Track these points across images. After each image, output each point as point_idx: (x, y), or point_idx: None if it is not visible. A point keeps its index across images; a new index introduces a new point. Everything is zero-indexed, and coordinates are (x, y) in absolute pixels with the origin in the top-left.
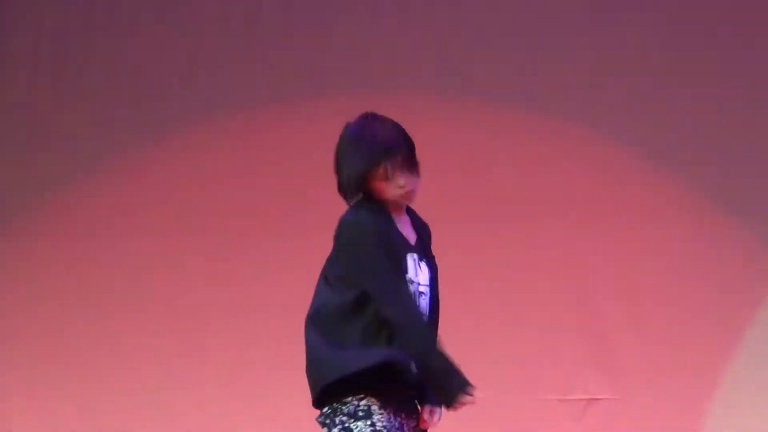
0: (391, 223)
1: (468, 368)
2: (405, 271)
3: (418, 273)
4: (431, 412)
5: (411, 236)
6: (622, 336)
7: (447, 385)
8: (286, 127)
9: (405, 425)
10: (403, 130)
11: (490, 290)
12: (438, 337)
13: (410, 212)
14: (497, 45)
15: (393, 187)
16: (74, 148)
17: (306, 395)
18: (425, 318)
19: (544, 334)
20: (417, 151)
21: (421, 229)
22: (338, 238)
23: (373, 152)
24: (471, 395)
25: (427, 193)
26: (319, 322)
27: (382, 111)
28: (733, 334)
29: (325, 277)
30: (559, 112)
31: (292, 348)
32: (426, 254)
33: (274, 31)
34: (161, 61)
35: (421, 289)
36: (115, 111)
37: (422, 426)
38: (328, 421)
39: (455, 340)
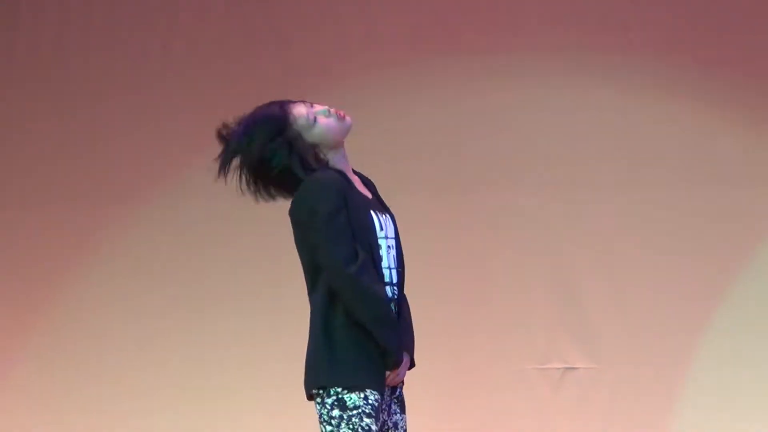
0: (349, 182)
1: (444, 339)
2: (371, 228)
3: (384, 227)
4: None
5: (367, 193)
6: (598, 305)
7: (386, 354)
8: None
9: (385, 394)
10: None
11: (465, 260)
12: (399, 297)
13: (357, 174)
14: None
15: (323, 121)
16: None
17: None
18: (381, 280)
19: (520, 303)
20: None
21: (370, 185)
22: (294, 214)
23: (275, 124)
24: (395, 375)
25: (397, 164)
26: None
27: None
28: (710, 303)
29: None
30: (532, 77)
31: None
32: (384, 208)
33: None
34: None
35: (389, 243)
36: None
37: (390, 384)
38: (321, 392)
39: (431, 312)
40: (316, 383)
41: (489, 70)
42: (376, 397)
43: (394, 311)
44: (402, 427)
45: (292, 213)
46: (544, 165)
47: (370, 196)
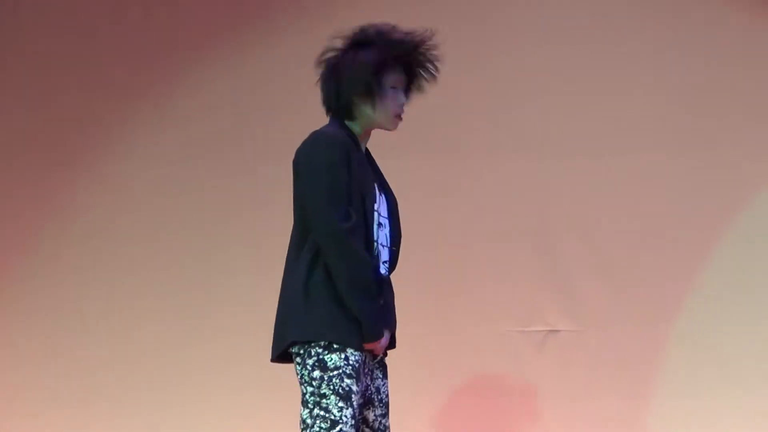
0: (358, 147)
1: (427, 303)
2: (370, 195)
3: (379, 203)
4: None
5: (370, 170)
6: (581, 268)
7: (362, 325)
8: None
9: (366, 358)
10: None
11: (448, 224)
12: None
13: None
14: None
15: (390, 104)
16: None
17: None
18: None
19: (503, 266)
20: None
21: (375, 166)
22: (296, 163)
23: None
24: (372, 346)
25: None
26: (286, 263)
27: None
28: (694, 264)
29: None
30: (512, 43)
31: None
32: (383, 186)
33: None
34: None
35: (381, 220)
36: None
37: (376, 352)
38: (302, 351)
39: (414, 276)
40: (297, 336)
41: (475, 38)
42: (357, 357)
43: (376, 285)
44: (384, 392)
45: (295, 162)
46: (525, 130)
47: (371, 170)
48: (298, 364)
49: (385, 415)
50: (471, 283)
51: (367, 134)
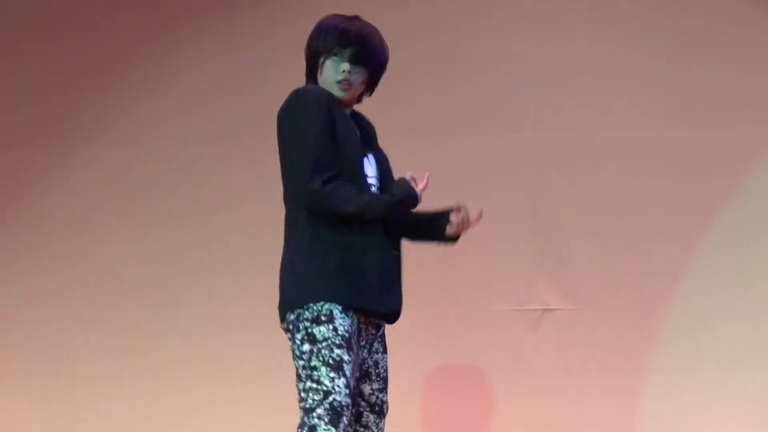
0: (337, 104)
1: (423, 281)
2: (355, 159)
3: (367, 165)
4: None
5: (355, 130)
6: (576, 246)
7: (408, 197)
8: None
9: (363, 330)
10: (371, 33)
11: (443, 203)
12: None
13: (353, 114)
14: None
15: (329, 72)
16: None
17: None
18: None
19: (498, 245)
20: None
21: (367, 127)
22: (278, 121)
23: (325, 36)
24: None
25: (377, 104)
26: (285, 227)
27: None
28: (689, 243)
29: None
30: (508, 18)
31: None
32: (372, 148)
33: None
34: None
35: (370, 181)
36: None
37: (457, 230)
38: (291, 327)
39: (409, 254)
40: (286, 308)
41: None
42: (347, 327)
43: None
44: (383, 366)
45: (278, 120)
46: (520, 109)
47: (357, 132)
48: (290, 340)
49: (383, 389)
50: (466, 263)
51: (342, 102)
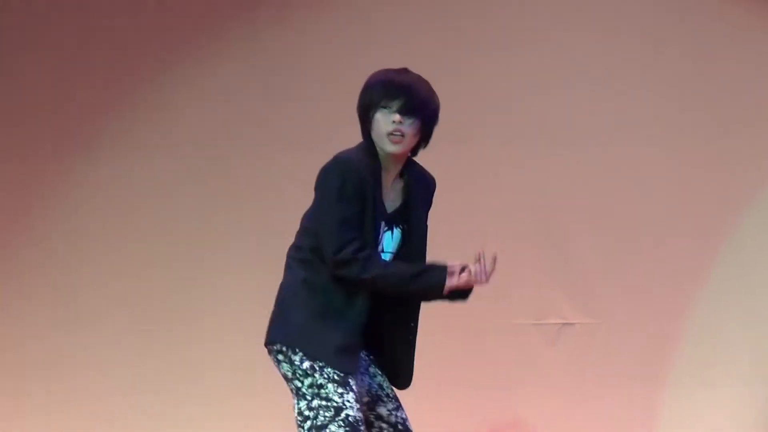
0: (377, 176)
1: None
2: (376, 232)
3: (387, 241)
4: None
5: (394, 201)
6: (594, 260)
7: (430, 288)
8: None
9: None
10: (418, 83)
11: (460, 216)
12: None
13: (411, 171)
14: None
15: (381, 125)
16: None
17: None
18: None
19: (517, 259)
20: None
21: (419, 190)
22: (316, 184)
23: (372, 90)
24: (455, 275)
25: None
26: (286, 267)
27: None
28: (707, 256)
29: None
30: (521, 23)
31: None
32: (406, 220)
33: None
34: None
35: (384, 257)
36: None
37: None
38: (284, 349)
39: None
40: (279, 337)
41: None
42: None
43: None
44: (387, 386)
45: (316, 181)
46: (537, 123)
47: (396, 204)
48: (285, 362)
49: (398, 407)
50: None
51: (397, 156)
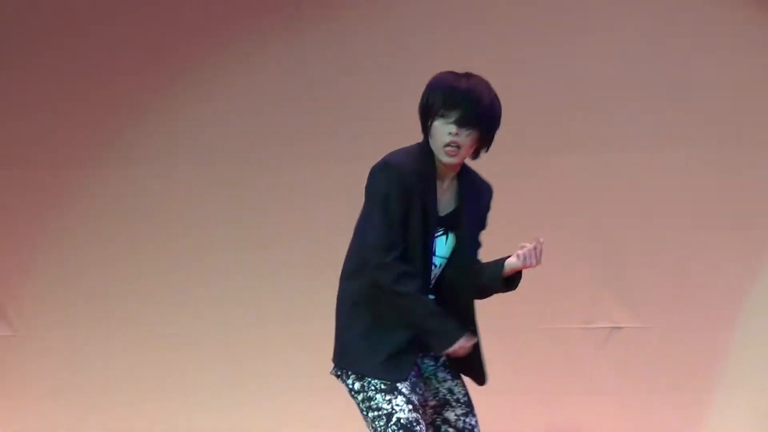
0: (430, 180)
1: (489, 300)
2: (428, 237)
3: (440, 246)
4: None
5: (447, 205)
6: (644, 264)
7: (438, 336)
8: None
9: (419, 365)
10: (480, 91)
11: (508, 221)
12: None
13: (465, 178)
14: None
15: (437, 135)
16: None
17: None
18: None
19: (566, 263)
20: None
21: (473, 198)
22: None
23: (433, 95)
24: (457, 344)
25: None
26: (340, 281)
27: None
28: (757, 262)
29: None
30: (570, 47)
31: None
32: (457, 224)
33: None
34: None
35: (435, 260)
36: None
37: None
38: (340, 373)
39: None
40: (335, 361)
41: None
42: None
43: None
44: (459, 391)
45: (367, 179)
46: (582, 125)
47: (450, 208)
48: (345, 386)
49: (468, 413)
50: (534, 281)
51: (451, 165)
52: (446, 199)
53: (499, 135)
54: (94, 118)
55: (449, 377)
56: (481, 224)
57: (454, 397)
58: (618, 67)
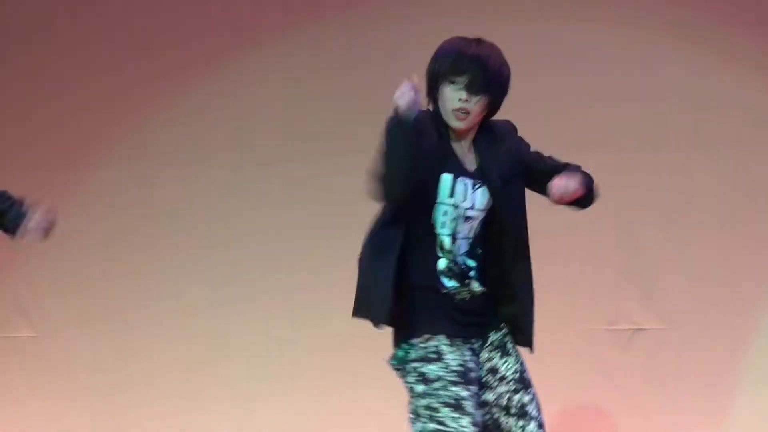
0: (443, 136)
1: None
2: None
3: (465, 197)
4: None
5: (470, 161)
6: (667, 266)
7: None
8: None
9: (472, 349)
10: (488, 57)
11: (531, 222)
12: None
13: (479, 134)
14: None
15: (446, 100)
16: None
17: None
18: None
19: (589, 264)
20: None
21: (493, 143)
22: None
23: (442, 60)
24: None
25: None
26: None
27: None
28: None
29: None
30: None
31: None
32: (485, 176)
33: None
34: None
35: (469, 213)
36: None
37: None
38: (400, 368)
39: None
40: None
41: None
42: (459, 362)
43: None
44: (506, 368)
45: None
46: (605, 125)
47: (474, 164)
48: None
49: (517, 390)
50: (557, 282)
51: (461, 130)
52: (470, 157)
53: (523, 132)
54: (113, 119)
55: (497, 355)
56: (519, 160)
57: (498, 376)
58: (650, 63)
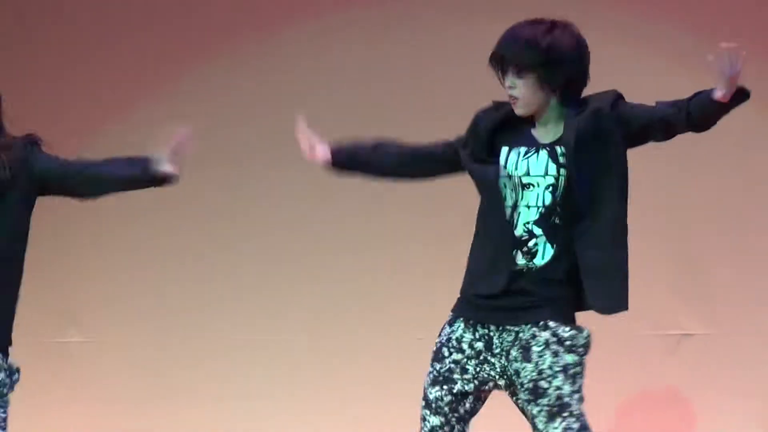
0: (504, 119)
1: None
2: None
3: (517, 166)
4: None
5: (544, 134)
6: (715, 270)
7: None
8: None
9: (495, 338)
10: (511, 37)
11: None
12: None
13: (568, 111)
14: None
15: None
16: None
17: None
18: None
19: (637, 267)
20: None
21: (579, 113)
22: None
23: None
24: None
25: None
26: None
27: None
28: None
29: None
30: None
31: None
32: (561, 142)
33: None
34: None
35: (525, 180)
36: None
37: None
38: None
39: None
40: None
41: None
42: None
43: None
44: (525, 376)
45: None
46: None
47: (548, 137)
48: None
49: (530, 401)
50: None
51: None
52: (546, 130)
53: None
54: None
55: (520, 357)
56: (613, 120)
57: (519, 381)
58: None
